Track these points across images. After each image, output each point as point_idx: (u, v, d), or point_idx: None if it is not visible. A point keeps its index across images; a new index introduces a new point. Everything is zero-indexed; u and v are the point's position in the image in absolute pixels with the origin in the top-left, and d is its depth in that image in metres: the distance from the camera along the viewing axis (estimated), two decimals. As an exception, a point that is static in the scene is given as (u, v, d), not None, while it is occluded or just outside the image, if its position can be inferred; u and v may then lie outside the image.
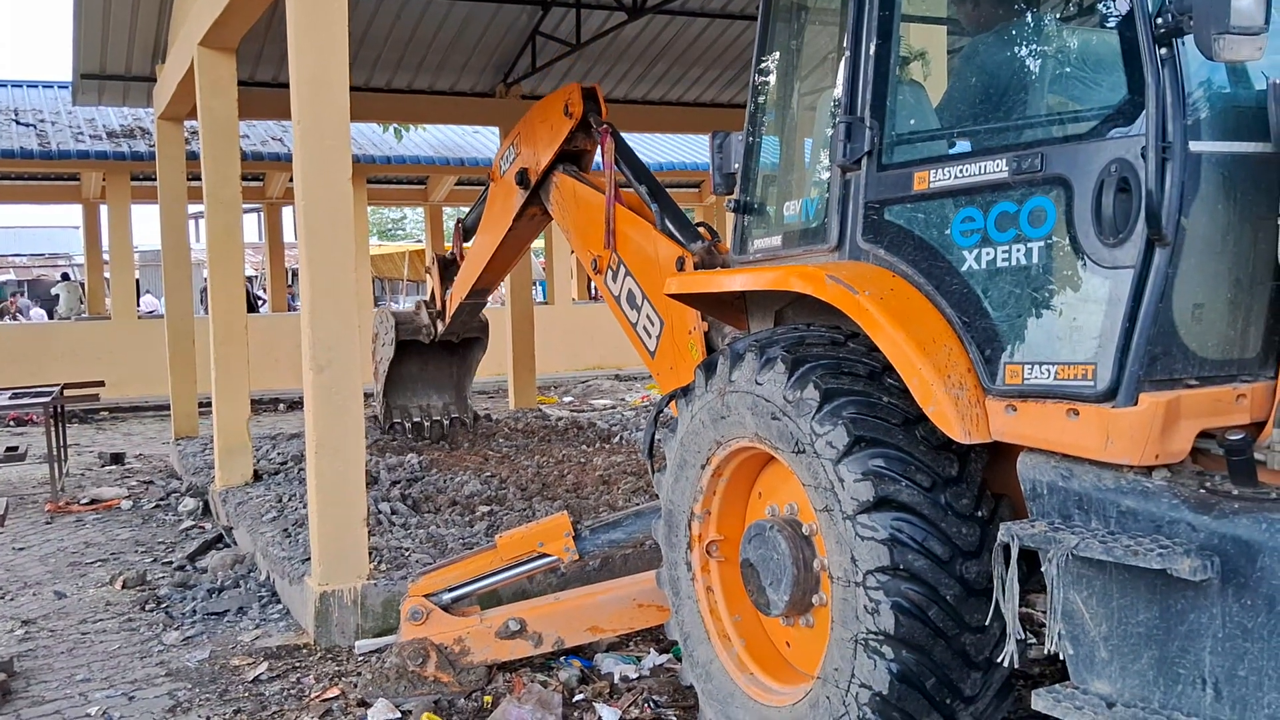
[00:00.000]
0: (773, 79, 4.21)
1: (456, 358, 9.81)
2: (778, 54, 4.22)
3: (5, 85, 19.45)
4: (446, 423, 9.89)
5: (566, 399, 16.04)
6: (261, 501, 7.49)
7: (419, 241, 34.53)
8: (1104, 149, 2.88)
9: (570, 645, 4.81)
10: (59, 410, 10.30)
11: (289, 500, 7.40)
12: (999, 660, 3.04)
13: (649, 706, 4.46)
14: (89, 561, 7.19)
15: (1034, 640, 3.86)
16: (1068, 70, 3.22)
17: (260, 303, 24.06)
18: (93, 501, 9.14)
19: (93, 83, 11.65)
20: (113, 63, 11.18)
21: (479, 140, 19.19)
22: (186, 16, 8.75)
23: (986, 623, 3.10)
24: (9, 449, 9.95)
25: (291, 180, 18.55)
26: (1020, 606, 3.03)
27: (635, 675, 4.77)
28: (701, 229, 5.51)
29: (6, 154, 16.08)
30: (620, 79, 12.91)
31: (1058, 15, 3.34)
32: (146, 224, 36.82)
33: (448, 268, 8.84)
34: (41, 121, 17.57)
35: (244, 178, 14.33)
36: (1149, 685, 2.78)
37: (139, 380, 16.11)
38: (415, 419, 9.82)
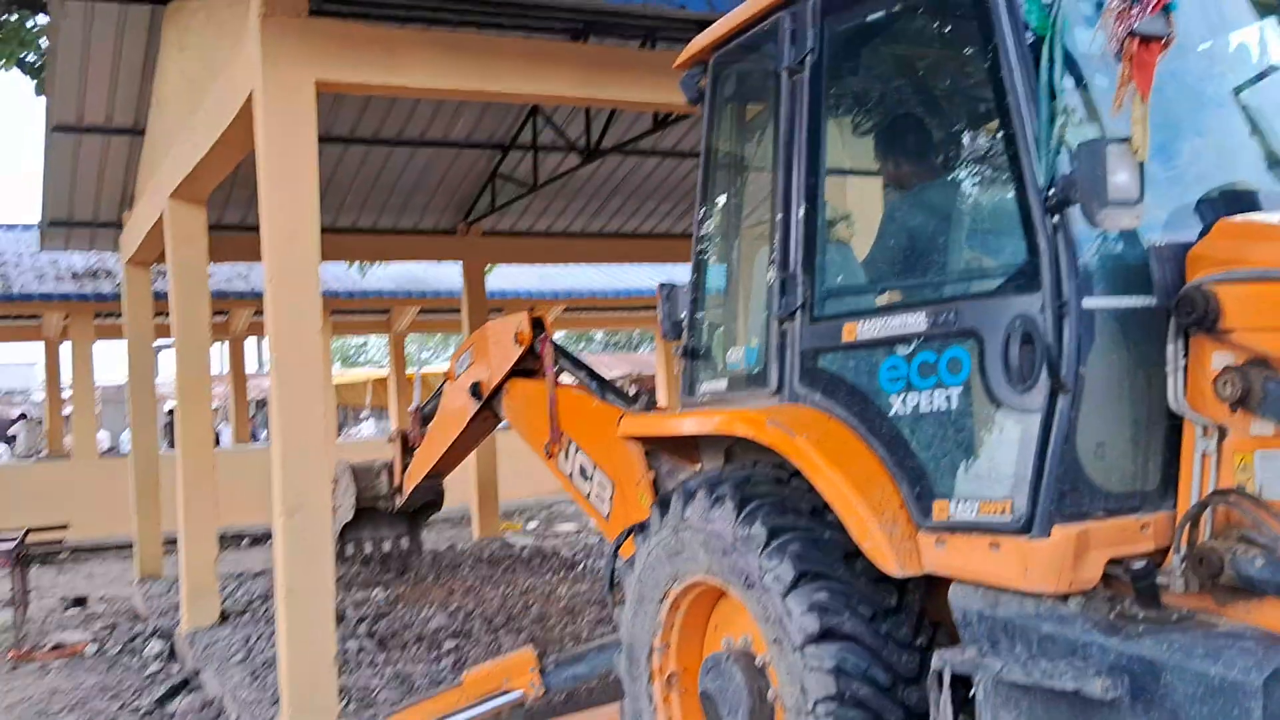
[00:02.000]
0: (714, 231, 4.56)
1: (409, 526, 9.96)
2: (718, 207, 4.58)
3: (-32, 229, 19.73)
4: (397, 554, 9.91)
5: (530, 525, 16.13)
6: (229, 643, 7.56)
7: (382, 367, 34.77)
8: (1009, 305, 3.20)
9: (537, 781, 4.93)
10: (21, 556, 10.30)
11: (257, 641, 7.48)
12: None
13: (616, 838, 4.57)
14: (56, 710, 7.20)
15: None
16: (978, 232, 3.57)
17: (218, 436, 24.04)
18: (57, 647, 9.12)
19: (60, 229, 11.95)
20: (80, 209, 11.49)
21: (441, 273, 19.60)
22: (156, 169, 9.10)
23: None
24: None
25: (256, 314, 18.78)
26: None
27: (602, 807, 4.89)
28: (641, 394, 5.92)
29: (-31, 299, 16.26)
30: (577, 214, 13.39)
31: (968, 181, 3.71)
32: (103, 360, 36.75)
33: (408, 445, 9.07)
34: (4, 264, 17.78)
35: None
36: (1076, 800, 2.98)
37: (101, 520, 16.03)
38: (367, 550, 9.85)
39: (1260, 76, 3.90)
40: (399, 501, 9.16)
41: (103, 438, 23.69)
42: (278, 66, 5.51)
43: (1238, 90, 3.91)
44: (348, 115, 10.11)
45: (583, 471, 6.15)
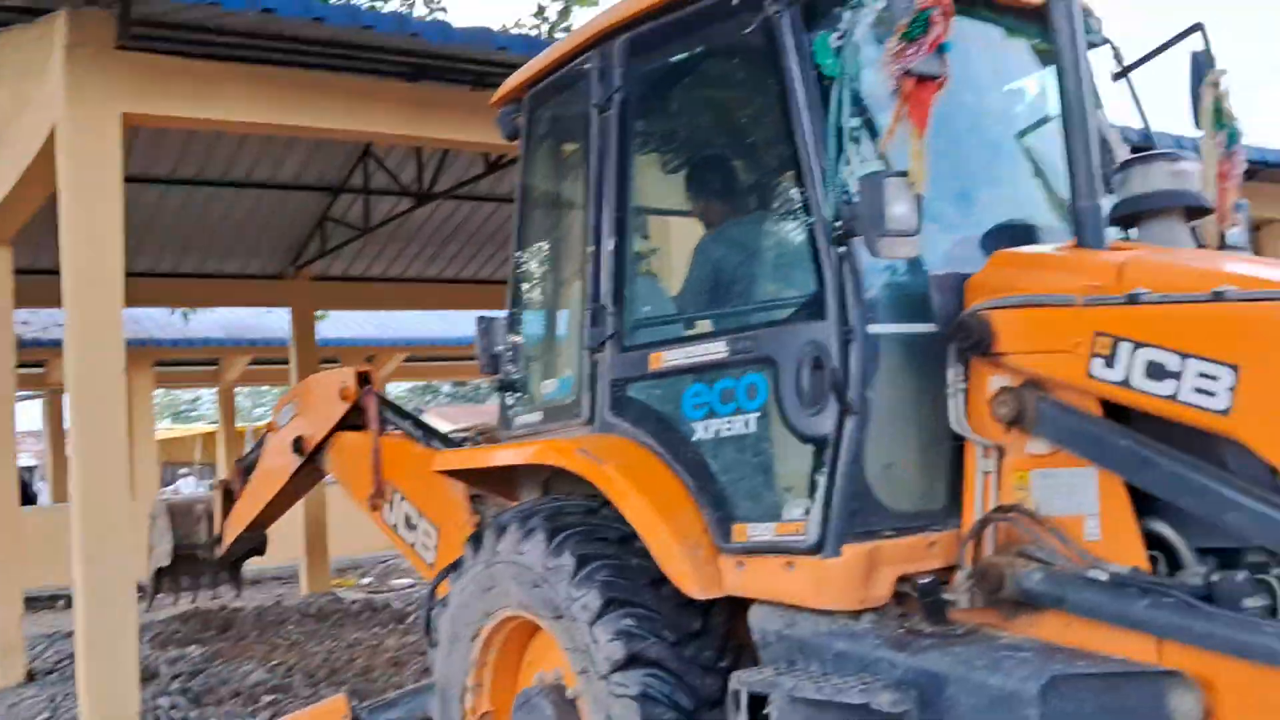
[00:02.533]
0: (530, 265, 4.59)
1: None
2: (533, 241, 4.62)
3: None
4: (216, 585, 9.37)
5: (365, 580, 15.72)
6: (34, 703, 7.18)
7: (214, 423, 33.59)
8: (801, 332, 3.31)
9: (350, 829, 4.77)
10: None
11: (62, 700, 7.09)
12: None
13: None
14: None
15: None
16: (773, 264, 3.69)
17: (36, 494, 22.79)
18: None
19: None
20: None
21: (271, 320, 19.08)
22: (-43, 207, 8.65)
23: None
24: None
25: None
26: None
27: None
28: (481, 436, 5.89)
29: None
30: (412, 259, 13.27)
31: (765, 216, 3.83)
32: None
33: (231, 496, 8.77)
34: None
35: (24, 364, 13.88)
36: (868, 813, 3.05)
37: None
38: (184, 586, 9.14)
39: (1041, 122, 4.16)
40: (218, 552, 8.81)
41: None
42: (83, 98, 5.35)
43: (1021, 134, 4.17)
44: (168, 155, 9.80)
45: (408, 521, 6.06)
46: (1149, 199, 3.50)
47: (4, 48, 7.02)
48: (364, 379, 6.67)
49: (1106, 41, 4.20)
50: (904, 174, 3.07)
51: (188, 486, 29.08)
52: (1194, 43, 3.84)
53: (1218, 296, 2.75)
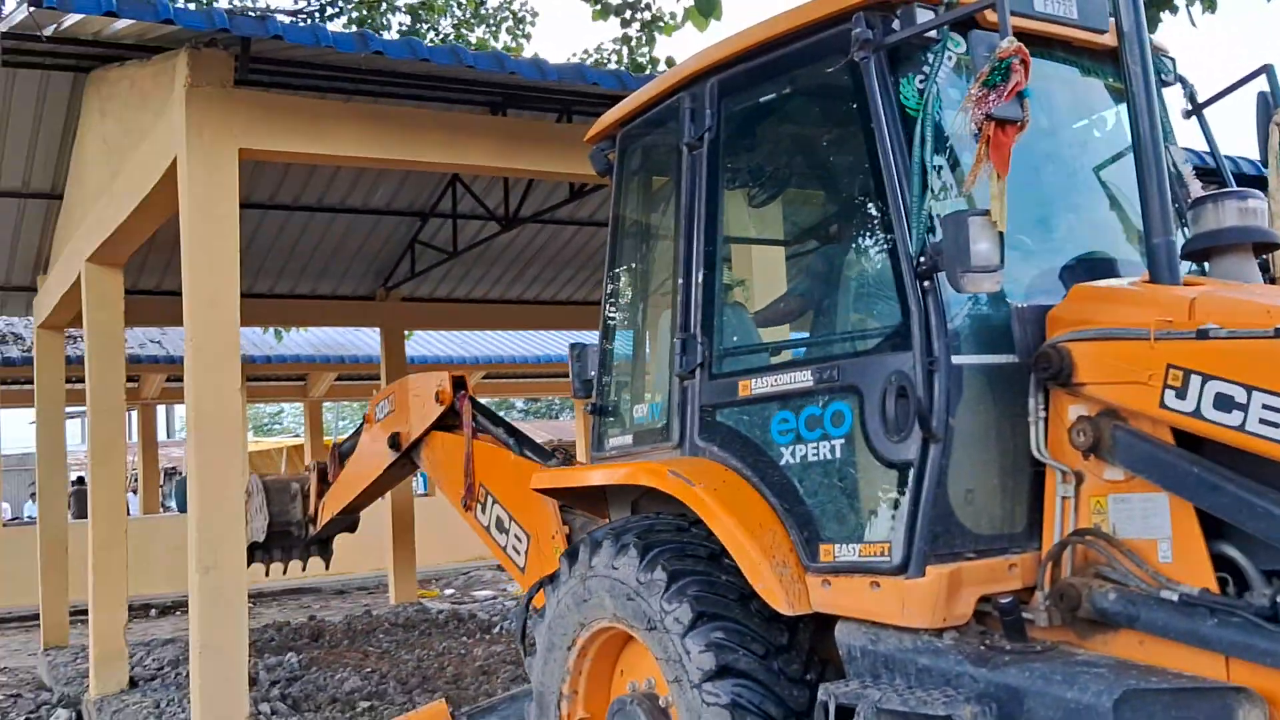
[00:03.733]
0: (621, 294, 4.82)
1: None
2: (625, 272, 4.84)
3: None
4: (307, 558, 9.60)
5: (448, 591, 16.08)
6: (139, 709, 7.50)
7: (297, 436, 34.37)
8: (886, 362, 3.48)
9: (449, 830, 5.02)
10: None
11: (167, 705, 7.43)
12: (823, 808, 3.44)
13: None
14: (-44, 779, 7.07)
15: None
16: (859, 296, 3.87)
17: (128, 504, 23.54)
18: (-43, 718, 8.92)
19: (-30, 294, 11.85)
20: (-8, 274, 11.43)
21: (359, 338, 19.61)
22: (73, 233, 9.14)
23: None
24: None
25: (168, 380, 18.53)
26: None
27: None
28: (559, 452, 6.13)
29: None
30: (496, 281, 13.61)
31: (851, 250, 4.02)
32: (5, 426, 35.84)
33: (325, 478, 9.10)
34: (-97, 330, 17.44)
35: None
36: (951, 821, 3.21)
37: (2, 591, 15.62)
38: (275, 558, 9.43)
39: (1118, 156, 4.30)
40: (312, 531, 9.09)
41: (3, 508, 23.09)
42: (202, 135, 5.69)
43: (1100, 168, 4.30)
44: (268, 182, 10.25)
45: (499, 524, 6.32)
46: (1220, 234, 3.64)
47: (119, 81, 7.45)
48: (459, 383, 6.97)
49: (1180, 80, 4.33)
50: (986, 213, 3.24)
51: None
52: (1262, 84, 3.97)
53: (1279, 333, 2.89)
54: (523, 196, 10.31)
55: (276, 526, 9.22)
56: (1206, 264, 3.75)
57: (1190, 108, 4.37)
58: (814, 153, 4.36)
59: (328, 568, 9.80)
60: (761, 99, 4.16)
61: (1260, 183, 4.07)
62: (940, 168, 3.54)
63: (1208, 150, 4.45)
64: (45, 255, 10.86)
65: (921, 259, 3.37)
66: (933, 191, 3.44)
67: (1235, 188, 3.81)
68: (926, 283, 3.38)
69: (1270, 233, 3.69)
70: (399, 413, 7.36)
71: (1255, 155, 4.21)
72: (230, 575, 5.53)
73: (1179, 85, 4.40)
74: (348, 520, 9.24)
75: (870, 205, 3.69)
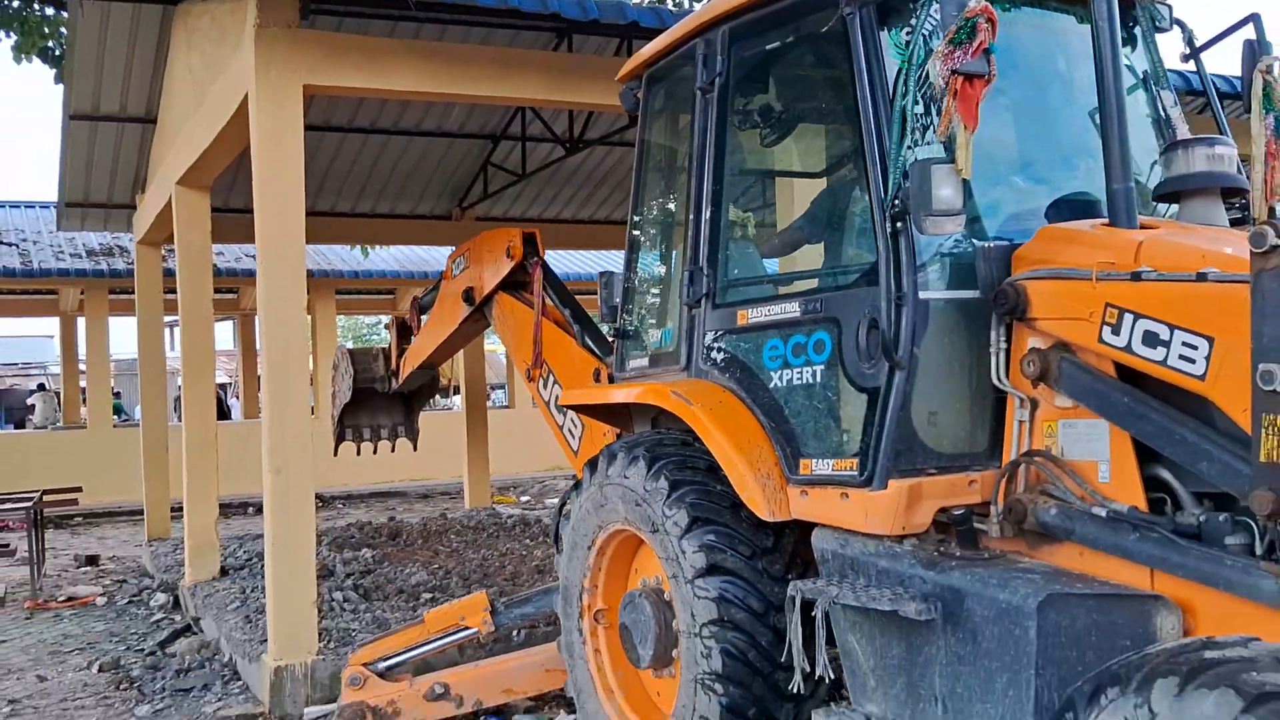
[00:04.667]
0: (643, 228, 5.19)
1: (407, 400, 10.08)
2: (647, 206, 5.21)
3: (-9, 207, 20.46)
4: (395, 438, 10.09)
5: (524, 498, 16.81)
6: (227, 594, 8.24)
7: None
8: (861, 297, 3.83)
9: (489, 706, 5.59)
10: (38, 515, 11.03)
11: (251, 592, 8.16)
12: (790, 689, 3.88)
13: (551, 755, 5.25)
14: (68, 650, 7.91)
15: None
16: (841, 235, 4.20)
17: (230, 409, 24.78)
18: (69, 599, 9.84)
19: (76, 210, 12.62)
20: (96, 192, 12.16)
21: (441, 255, 20.24)
22: (165, 157, 9.76)
23: (783, 659, 3.94)
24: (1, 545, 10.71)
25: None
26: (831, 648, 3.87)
27: (544, 731, 5.56)
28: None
29: (-8, 274, 16.99)
30: (567, 202, 14.00)
31: (837, 192, 4.33)
32: (118, 334, 37.51)
33: (404, 331, 9.43)
34: (24, 241, 18.49)
35: (219, 290, 15.25)
36: (901, 705, 3.63)
37: (113, 487, 16.74)
38: (365, 436, 9.99)
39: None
40: (395, 384, 9.44)
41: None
42: (269, 72, 6.15)
43: (1093, 113, 4.52)
44: (347, 105, 10.72)
45: (559, 403, 6.65)
46: (1187, 179, 3.87)
47: (201, 16, 7.94)
48: (529, 240, 7.18)
49: (1178, 24, 4.51)
50: (951, 160, 3.53)
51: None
52: (1250, 32, 4.14)
53: (1201, 277, 3.17)
54: (587, 120, 10.64)
55: (361, 383, 9.52)
56: (1175, 206, 3.99)
57: (1188, 51, 4.56)
58: (812, 100, 4.66)
59: (415, 447, 10.11)
60: (767, 47, 4.47)
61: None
62: (920, 117, 3.81)
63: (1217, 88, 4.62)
64: (143, 175, 11.53)
65: (896, 202, 3.68)
66: (917, 140, 3.71)
67: (1207, 135, 4.02)
68: (899, 224, 3.70)
69: (1236, 178, 3.91)
70: (473, 268, 7.61)
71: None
72: (298, 475, 6.10)
73: (1178, 30, 4.59)
74: (427, 375, 9.46)
75: (856, 151, 3.99)
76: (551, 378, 6.73)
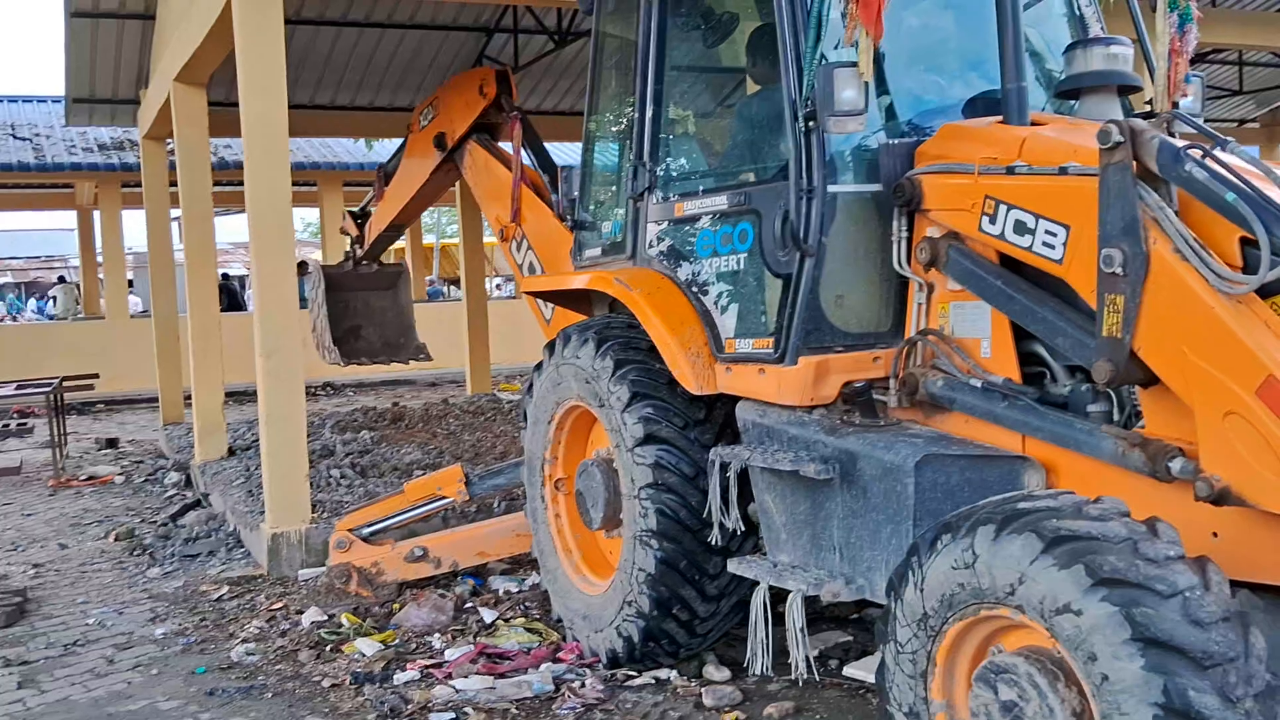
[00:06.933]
0: (597, 124, 5.52)
1: (389, 296, 9.84)
2: (599, 103, 5.51)
3: (1, 101, 20.71)
4: (407, 359, 9.85)
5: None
6: (233, 472, 8.80)
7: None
8: (777, 190, 4.19)
9: (464, 567, 6.12)
10: (59, 400, 11.61)
11: (255, 470, 8.69)
12: (712, 542, 4.36)
13: (519, 610, 5.78)
14: (87, 523, 8.52)
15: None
16: (763, 134, 4.53)
17: (245, 302, 25.28)
18: (90, 478, 10.46)
19: (83, 106, 12.93)
20: (101, 88, 12.45)
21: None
22: (163, 53, 10.04)
23: (704, 516, 4.40)
24: (20, 424, 11.30)
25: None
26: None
27: (516, 590, 6.08)
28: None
29: (4, 167, 17.35)
30: (564, 94, 14.20)
31: (760, 93, 4.64)
32: (136, 227, 37.81)
33: (361, 215, 9.48)
34: (37, 135, 18.81)
35: (233, 183, 15.59)
36: (806, 554, 4.09)
37: (133, 375, 17.24)
38: (371, 339, 9.70)
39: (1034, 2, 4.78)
40: (360, 252, 9.34)
41: (135, 301, 25.01)
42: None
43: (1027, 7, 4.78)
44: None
45: (532, 269, 6.81)
46: (1083, 77, 4.17)
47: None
48: (502, 77, 7.01)
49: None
50: (853, 64, 3.86)
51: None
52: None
53: (1063, 171, 3.51)
54: (574, 13, 10.83)
55: (330, 270, 9.41)
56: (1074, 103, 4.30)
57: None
58: (743, 4, 4.94)
59: (413, 333, 9.86)
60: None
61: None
62: (835, 22, 4.10)
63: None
64: (145, 71, 11.81)
65: (807, 103, 4.01)
66: (823, 45, 4.01)
67: (1107, 35, 4.31)
68: (810, 124, 4.03)
69: (1129, 75, 4.20)
70: (443, 114, 7.49)
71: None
72: (287, 359, 6.55)
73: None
74: (393, 239, 9.35)
75: (776, 55, 4.30)
76: (525, 242, 6.82)
